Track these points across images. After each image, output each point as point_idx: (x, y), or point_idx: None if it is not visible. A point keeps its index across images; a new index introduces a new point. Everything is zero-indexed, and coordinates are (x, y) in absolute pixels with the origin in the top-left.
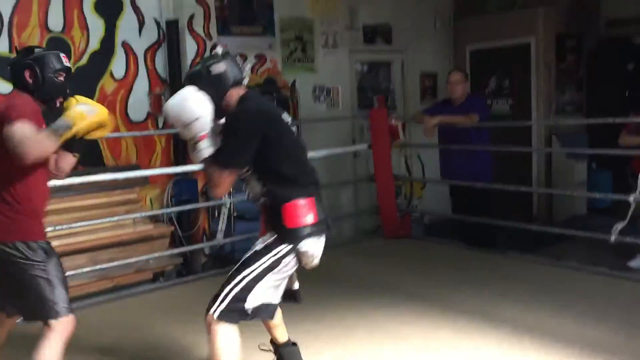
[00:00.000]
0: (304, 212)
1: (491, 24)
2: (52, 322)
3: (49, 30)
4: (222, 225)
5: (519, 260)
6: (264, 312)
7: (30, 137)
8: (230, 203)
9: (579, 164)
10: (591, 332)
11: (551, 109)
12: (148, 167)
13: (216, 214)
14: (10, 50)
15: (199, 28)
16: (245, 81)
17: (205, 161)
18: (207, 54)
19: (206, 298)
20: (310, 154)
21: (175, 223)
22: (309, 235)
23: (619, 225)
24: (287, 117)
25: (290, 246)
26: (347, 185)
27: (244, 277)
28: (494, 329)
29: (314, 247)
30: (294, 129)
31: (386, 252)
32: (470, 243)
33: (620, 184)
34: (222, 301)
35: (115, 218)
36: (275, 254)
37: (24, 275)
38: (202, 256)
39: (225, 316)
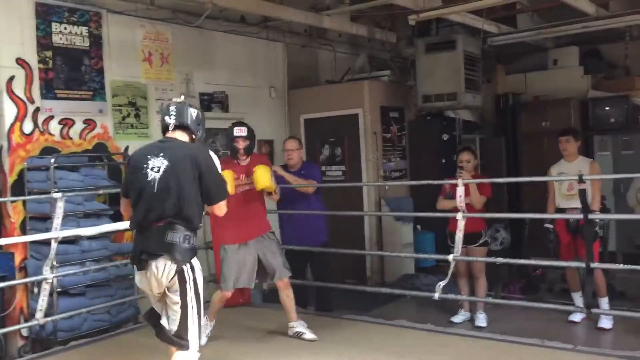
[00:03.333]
0: None
1: (322, 95)
2: None
3: None
4: (42, 303)
5: (354, 321)
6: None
7: None
8: (53, 278)
9: (406, 226)
10: None
11: (379, 174)
12: None
13: (35, 290)
14: None
15: (19, 91)
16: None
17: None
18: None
19: None
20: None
21: None
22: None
23: (442, 283)
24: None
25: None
26: None
27: None
28: None
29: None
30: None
31: (224, 320)
32: (306, 307)
33: (442, 244)
34: None
35: None
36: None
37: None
38: (19, 339)
39: None
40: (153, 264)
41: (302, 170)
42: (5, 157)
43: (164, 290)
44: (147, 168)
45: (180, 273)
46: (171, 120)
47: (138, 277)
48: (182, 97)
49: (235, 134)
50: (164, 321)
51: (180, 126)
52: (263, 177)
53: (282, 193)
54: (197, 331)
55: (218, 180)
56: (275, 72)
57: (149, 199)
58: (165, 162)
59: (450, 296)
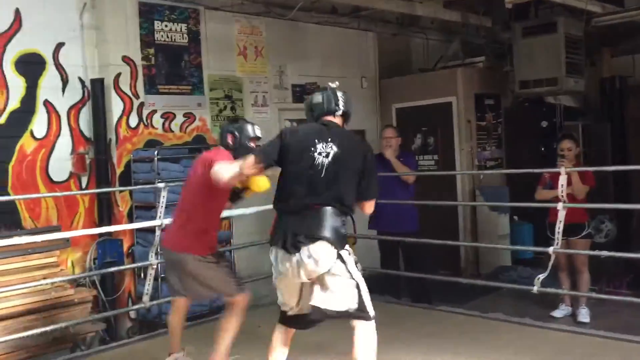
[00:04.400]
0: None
1: (414, 83)
2: None
3: None
4: (148, 288)
5: (448, 313)
6: None
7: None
8: (158, 264)
9: (502, 216)
10: None
11: (474, 164)
12: (70, 228)
13: (142, 275)
14: None
15: (125, 87)
16: None
17: None
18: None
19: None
20: (240, 211)
21: (99, 287)
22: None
23: (541, 277)
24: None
25: None
26: None
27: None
28: None
29: None
30: None
31: None
32: (400, 297)
33: (541, 235)
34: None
35: (33, 284)
36: None
37: None
38: (127, 321)
39: None
40: (310, 248)
41: (401, 158)
42: (114, 150)
43: (313, 275)
44: (315, 151)
45: (339, 257)
46: (340, 106)
47: (280, 258)
48: (337, 83)
49: (253, 134)
50: (318, 301)
51: (343, 113)
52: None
53: (381, 181)
54: (370, 301)
55: (376, 178)
56: (366, 61)
57: (313, 183)
58: (335, 149)
59: (551, 290)
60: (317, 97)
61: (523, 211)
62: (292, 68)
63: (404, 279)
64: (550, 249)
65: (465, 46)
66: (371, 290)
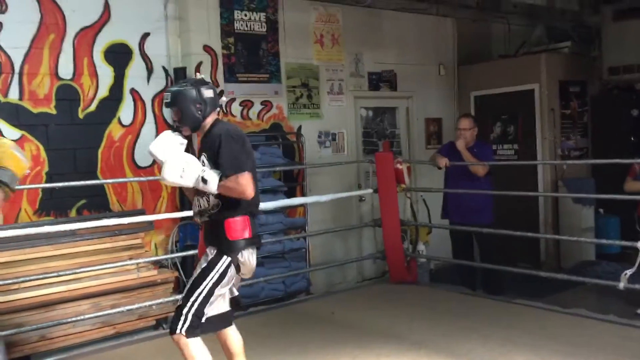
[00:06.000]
0: (243, 227)
1: (494, 70)
2: None
3: (58, 78)
4: None
5: (526, 307)
6: (221, 321)
7: None
8: None
9: (586, 209)
10: None
11: (557, 154)
12: (153, 212)
13: None
14: (21, 98)
15: (206, 75)
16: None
17: (222, 181)
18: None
19: (210, 344)
20: (315, 199)
21: (180, 268)
22: (246, 246)
23: (628, 272)
24: None
25: (230, 258)
26: (352, 230)
27: (197, 297)
28: None
29: (250, 258)
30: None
31: (392, 298)
32: (476, 289)
33: (629, 229)
34: (185, 321)
35: (120, 264)
36: (218, 269)
37: None
38: None
39: (190, 332)
40: None
41: (474, 149)
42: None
43: None
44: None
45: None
46: (221, 102)
47: (248, 255)
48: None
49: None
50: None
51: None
52: None
53: (450, 171)
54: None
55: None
56: (444, 48)
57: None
58: None
59: (638, 286)
60: (208, 92)
61: (609, 204)
62: (369, 56)
63: (479, 271)
64: (639, 244)
65: (549, 31)
66: (446, 281)
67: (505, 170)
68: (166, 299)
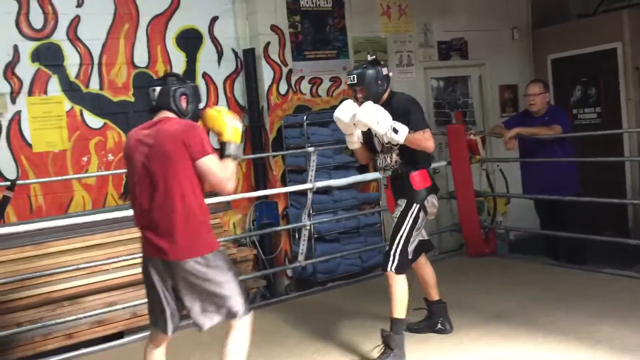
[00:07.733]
0: (424, 178)
1: (573, 31)
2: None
3: (135, 66)
4: (303, 247)
5: (615, 276)
6: (423, 246)
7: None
8: (311, 225)
9: None
10: None
11: None
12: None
13: (297, 236)
14: (101, 88)
15: (274, 55)
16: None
17: (410, 133)
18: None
19: (291, 321)
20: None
21: (258, 246)
22: (429, 193)
23: None
24: None
25: (418, 205)
26: None
27: (399, 240)
28: (589, 350)
29: (434, 201)
30: None
31: (470, 270)
32: (559, 259)
33: None
34: (393, 260)
35: None
36: (411, 215)
37: None
38: (284, 278)
39: (398, 269)
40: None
41: (546, 117)
42: (266, 117)
43: None
44: None
45: None
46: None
47: (433, 199)
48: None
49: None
50: None
51: None
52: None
53: (522, 143)
54: None
55: None
56: (517, 11)
57: None
58: None
59: None
60: (384, 70)
61: None
62: (438, 24)
63: (562, 240)
64: None
65: None
66: (527, 252)
67: (586, 136)
68: (246, 276)
